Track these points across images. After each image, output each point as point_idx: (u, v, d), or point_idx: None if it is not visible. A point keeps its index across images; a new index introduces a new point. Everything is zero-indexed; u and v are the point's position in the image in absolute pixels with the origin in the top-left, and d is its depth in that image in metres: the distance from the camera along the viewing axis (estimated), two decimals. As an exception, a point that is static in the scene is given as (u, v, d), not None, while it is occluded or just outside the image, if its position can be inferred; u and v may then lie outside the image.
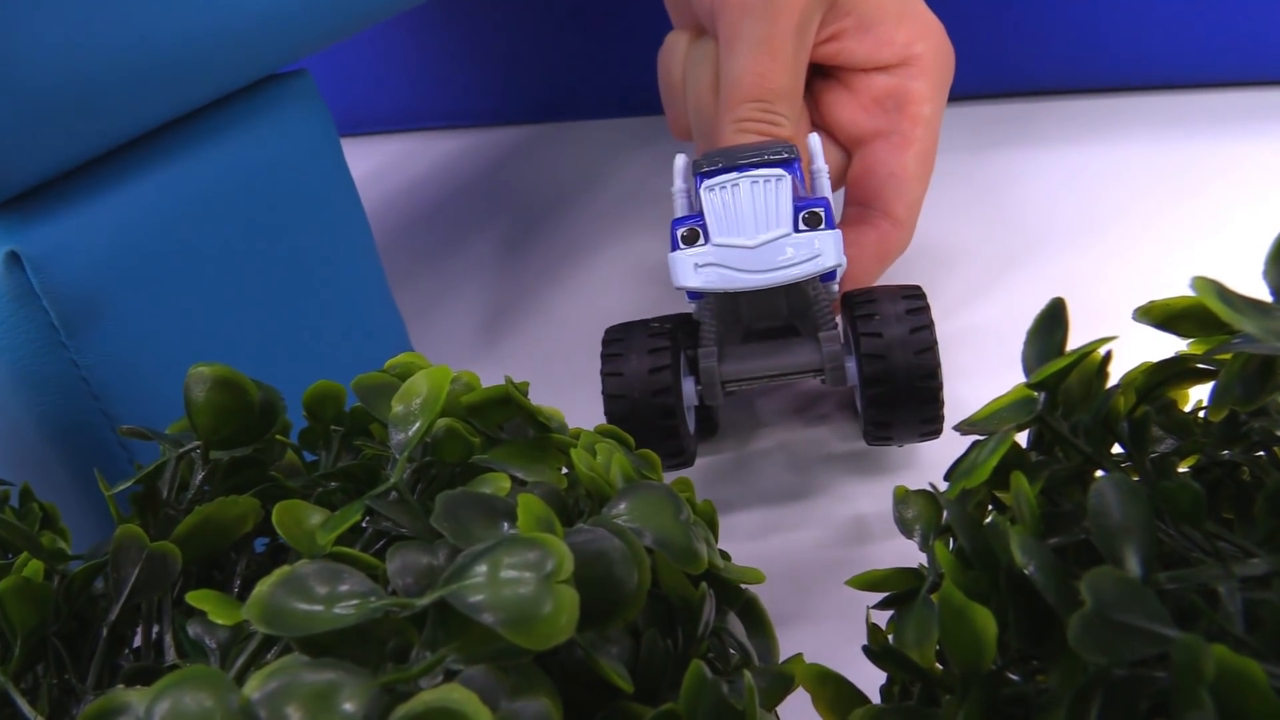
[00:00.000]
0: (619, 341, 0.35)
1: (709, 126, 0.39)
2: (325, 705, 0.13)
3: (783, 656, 0.22)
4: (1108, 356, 0.20)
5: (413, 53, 0.76)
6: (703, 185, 0.33)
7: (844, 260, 0.33)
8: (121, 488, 0.21)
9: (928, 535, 0.20)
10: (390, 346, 0.39)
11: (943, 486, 0.20)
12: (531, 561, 0.14)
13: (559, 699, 0.15)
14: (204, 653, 0.18)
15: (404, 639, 0.15)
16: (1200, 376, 0.20)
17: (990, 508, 0.21)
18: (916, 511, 0.21)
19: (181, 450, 0.22)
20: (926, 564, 0.20)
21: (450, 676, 0.14)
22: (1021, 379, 0.19)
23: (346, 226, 0.37)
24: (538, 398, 0.23)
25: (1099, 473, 0.19)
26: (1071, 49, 0.59)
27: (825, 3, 0.38)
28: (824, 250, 0.32)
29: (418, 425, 0.19)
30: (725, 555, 0.22)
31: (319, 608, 0.14)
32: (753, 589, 0.23)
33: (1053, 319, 0.20)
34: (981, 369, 0.39)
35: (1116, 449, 0.19)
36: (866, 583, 0.20)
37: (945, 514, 0.20)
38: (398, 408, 0.20)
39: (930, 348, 0.32)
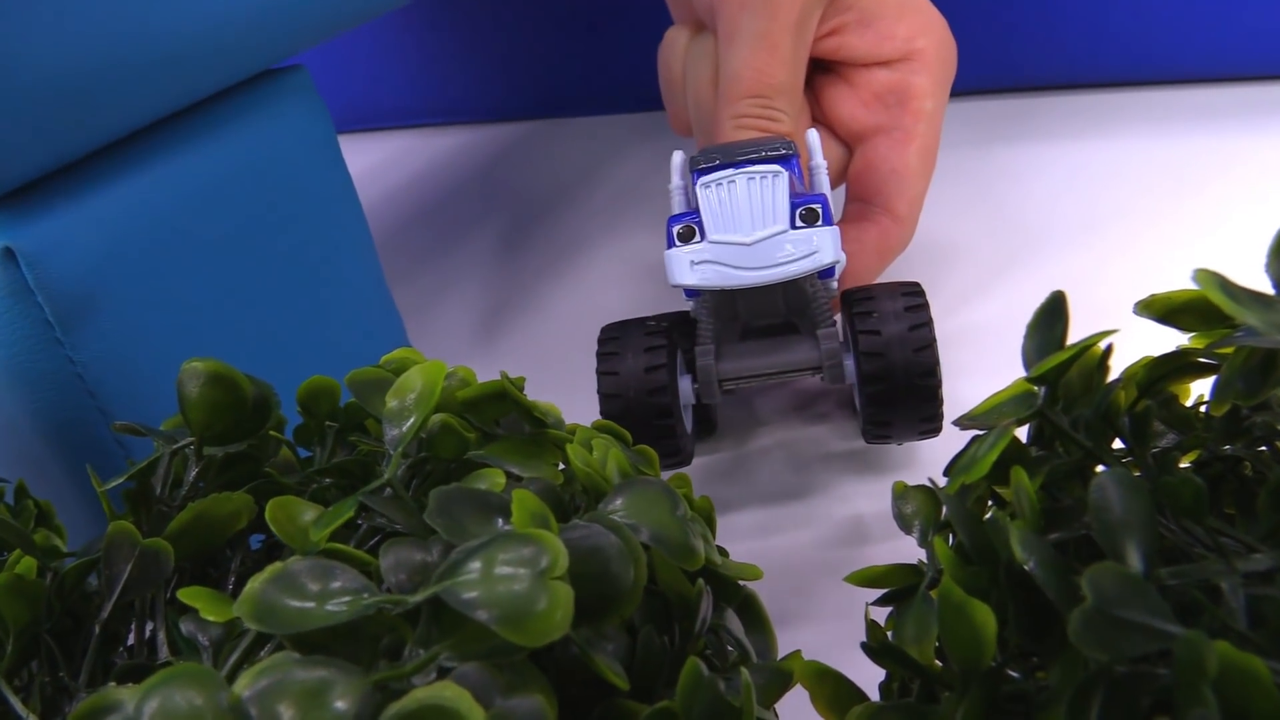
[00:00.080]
0: (615, 340, 0.34)
1: (709, 122, 0.39)
2: (317, 703, 0.13)
3: (781, 654, 0.22)
4: (1108, 350, 0.20)
5: (411, 49, 0.76)
6: (699, 182, 0.33)
7: (842, 257, 0.33)
8: (114, 484, 0.21)
9: (927, 531, 0.20)
10: (387, 343, 0.39)
11: (942, 482, 0.20)
12: (526, 558, 0.14)
13: (554, 696, 0.14)
14: (197, 650, 0.18)
15: (397, 636, 0.15)
16: (1202, 371, 0.19)
17: (990, 503, 0.20)
18: (915, 507, 0.21)
19: (175, 446, 0.22)
20: (925, 560, 0.19)
21: (444, 674, 0.14)
22: (1021, 376, 0.19)
23: (344, 223, 0.37)
24: (535, 394, 0.23)
25: (1100, 468, 0.18)
26: (1073, 44, 0.59)
27: None
28: (821, 247, 0.32)
29: (412, 420, 0.19)
30: (723, 552, 0.22)
31: (311, 605, 0.14)
32: (751, 587, 0.23)
33: (1053, 312, 0.20)
34: (981, 366, 0.39)
35: (1117, 444, 0.19)
36: (865, 579, 0.20)
37: (944, 509, 0.19)
38: (392, 403, 0.20)
39: (929, 345, 0.32)
